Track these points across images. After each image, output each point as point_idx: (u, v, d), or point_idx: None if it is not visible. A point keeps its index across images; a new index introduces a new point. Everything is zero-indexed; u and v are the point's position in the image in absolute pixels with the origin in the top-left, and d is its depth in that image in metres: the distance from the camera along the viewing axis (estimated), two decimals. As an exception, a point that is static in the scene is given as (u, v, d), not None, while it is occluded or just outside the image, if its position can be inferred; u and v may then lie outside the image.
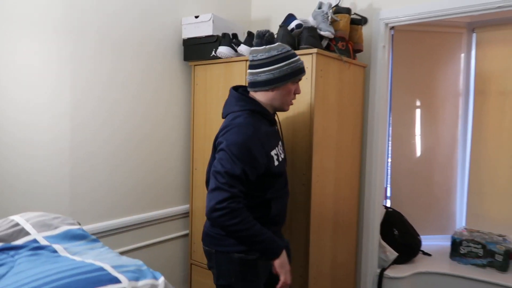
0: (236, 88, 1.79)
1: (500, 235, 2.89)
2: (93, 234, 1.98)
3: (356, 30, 2.44)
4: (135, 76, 2.37)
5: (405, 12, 2.50)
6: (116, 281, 1.05)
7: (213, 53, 2.45)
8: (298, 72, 1.68)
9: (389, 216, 2.88)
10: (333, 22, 2.26)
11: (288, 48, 1.69)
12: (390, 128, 3.18)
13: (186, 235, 2.75)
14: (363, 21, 2.44)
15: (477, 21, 3.15)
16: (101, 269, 1.09)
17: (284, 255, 1.64)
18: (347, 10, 2.35)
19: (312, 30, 2.16)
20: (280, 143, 1.78)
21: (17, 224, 1.31)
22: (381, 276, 2.68)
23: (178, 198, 2.70)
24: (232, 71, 2.40)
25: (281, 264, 1.62)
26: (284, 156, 1.81)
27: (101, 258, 1.18)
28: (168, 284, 1.14)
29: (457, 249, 2.89)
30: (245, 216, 1.52)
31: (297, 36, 2.18)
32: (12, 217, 1.37)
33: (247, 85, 1.75)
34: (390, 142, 3.18)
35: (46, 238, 1.27)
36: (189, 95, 2.71)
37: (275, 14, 3.01)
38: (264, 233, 1.57)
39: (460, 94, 3.27)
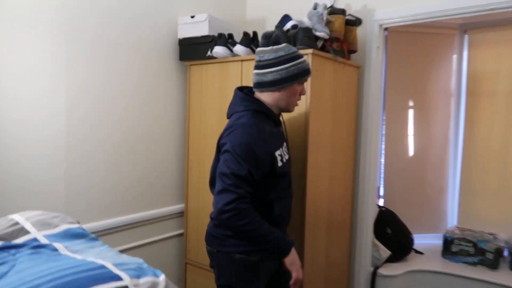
0: (241, 89, 1.79)
1: (490, 234, 2.94)
2: (89, 233, 1.98)
3: (351, 31, 2.46)
4: (131, 76, 2.37)
5: (399, 13, 2.53)
6: (118, 278, 1.06)
7: (209, 53, 2.45)
8: (304, 73, 1.69)
9: (382, 215, 2.91)
10: (328, 23, 2.28)
11: (295, 49, 1.69)
12: (384, 128, 3.21)
13: (181, 235, 2.75)
14: (357, 22, 2.46)
15: (469, 22, 3.19)
16: (103, 267, 1.10)
17: (293, 252, 1.66)
18: (342, 11, 2.38)
19: (308, 30, 2.17)
20: (284, 144, 1.79)
21: (16, 223, 1.31)
22: (374, 274, 2.71)
23: (173, 197, 2.71)
24: (228, 71, 2.41)
25: (291, 261, 1.64)
26: (289, 157, 1.81)
27: (102, 256, 1.19)
28: (169, 281, 1.16)
29: (449, 247, 2.93)
30: (254, 216, 1.53)
31: (293, 36, 2.19)
32: (11, 216, 1.38)
33: (252, 85, 1.75)
34: (383, 142, 3.21)
35: (47, 236, 1.27)
36: (184, 94, 2.71)
37: (270, 15, 3.02)
38: (273, 232, 1.58)
39: (452, 95, 3.30)
